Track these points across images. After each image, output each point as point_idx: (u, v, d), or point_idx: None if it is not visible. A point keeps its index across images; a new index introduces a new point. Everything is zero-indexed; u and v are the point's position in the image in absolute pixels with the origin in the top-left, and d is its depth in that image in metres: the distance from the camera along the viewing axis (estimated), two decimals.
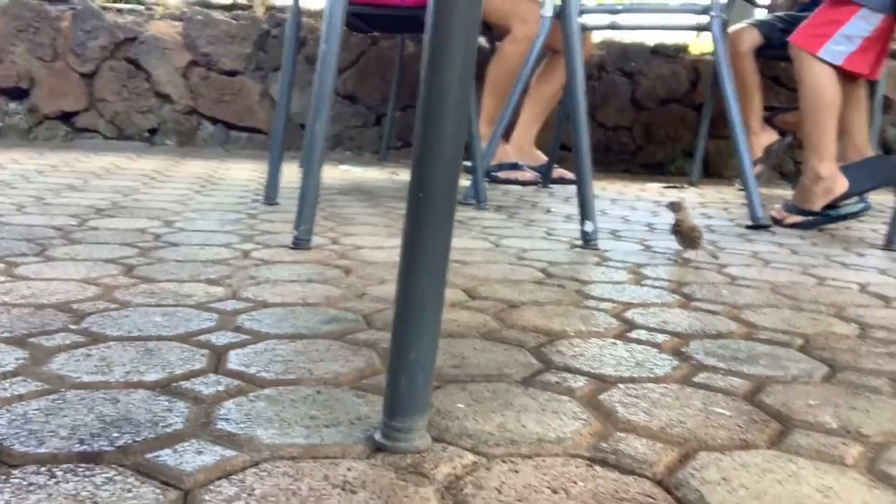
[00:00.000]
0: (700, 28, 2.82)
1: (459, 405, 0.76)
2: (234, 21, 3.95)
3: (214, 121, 3.99)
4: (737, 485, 0.62)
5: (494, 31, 3.14)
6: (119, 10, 3.98)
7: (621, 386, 0.84)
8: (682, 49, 4.11)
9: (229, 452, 0.63)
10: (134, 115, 3.90)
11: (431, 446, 0.66)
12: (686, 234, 1.59)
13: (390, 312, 1.10)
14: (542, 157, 3.25)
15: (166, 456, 0.62)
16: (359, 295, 1.20)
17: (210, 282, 1.24)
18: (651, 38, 4.14)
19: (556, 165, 3.22)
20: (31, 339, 0.90)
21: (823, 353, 1.01)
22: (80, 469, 0.59)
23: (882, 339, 1.10)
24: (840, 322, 1.18)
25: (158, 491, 0.57)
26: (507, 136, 3.21)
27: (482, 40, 3.69)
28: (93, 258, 1.36)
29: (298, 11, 2.21)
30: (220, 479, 0.59)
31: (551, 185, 3.18)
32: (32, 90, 3.82)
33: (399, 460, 0.63)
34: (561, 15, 1.78)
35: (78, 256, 1.37)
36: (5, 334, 0.91)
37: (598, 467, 0.64)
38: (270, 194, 2.22)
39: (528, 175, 3.20)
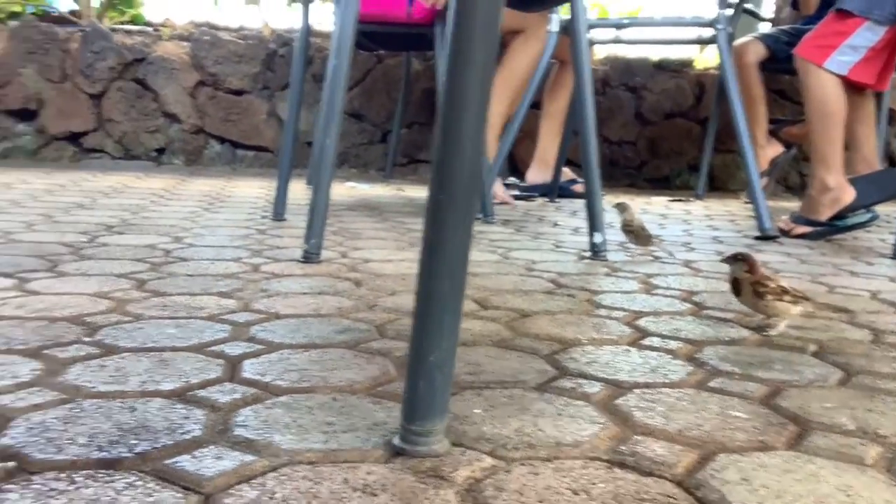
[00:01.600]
0: (705, 41, 2.83)
1: (476, 410, 0.75)
2: (241, 41, 3.98)
3: (221, 140, 4.01)
4: (757, 484, 0.62)
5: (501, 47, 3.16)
6: (128, 32, 4.01)
7: (637, 391, 0.84)
8: (686, 63, 4.13)
9: (248, 457, 0.63)
10: (142, 134, 3.93)
11: (450, 450, 0.66)
12: (637, 233, 1.78)
13: (403, 322, 1.10)
14: (569, 174, 3.27)
15: (185, 462, 0.62)
16: (370, 306, 1.20)
17: (222, 294, 1.24)
18: (655, 53, 4.17)
19: (579, 180, 3.26)
20: (46, 351, 0.90)
21: (837, 358, 1.00)
22: (100, 475, 0.59)
23: (895, 343, 1.09)
24: (852, 328, 1.18)
25: (179, 495, 0.57)
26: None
27: None
28: (104, 273, 1.37)
29: (308, 30, 2.24)
30: (240, 483, 0.59)
31: (558, 200, 3.18)
32: (41, 111, 3.85)
33: (418, 464, 0.63)
34: (570, 30, 1.79)
35: (89, 271, 1.37)
36: (20, 346, 0.91)
37: (617, 469, 0.64)
38: (279, 210, 2.23)
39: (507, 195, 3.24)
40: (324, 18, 3.95)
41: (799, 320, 1.21)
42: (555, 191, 3.19)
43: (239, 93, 3.97)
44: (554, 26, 2.52)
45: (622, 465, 0.65)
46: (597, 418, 0.75)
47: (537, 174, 3.36)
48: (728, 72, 2.39)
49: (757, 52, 3.17)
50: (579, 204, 3.03)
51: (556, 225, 2.42)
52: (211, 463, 0.62)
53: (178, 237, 1.82)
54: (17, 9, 4.29)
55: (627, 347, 1.01)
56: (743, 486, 0.61)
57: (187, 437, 0.67)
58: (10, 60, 3.77)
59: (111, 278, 1.33)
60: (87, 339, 0.96)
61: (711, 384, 0.87)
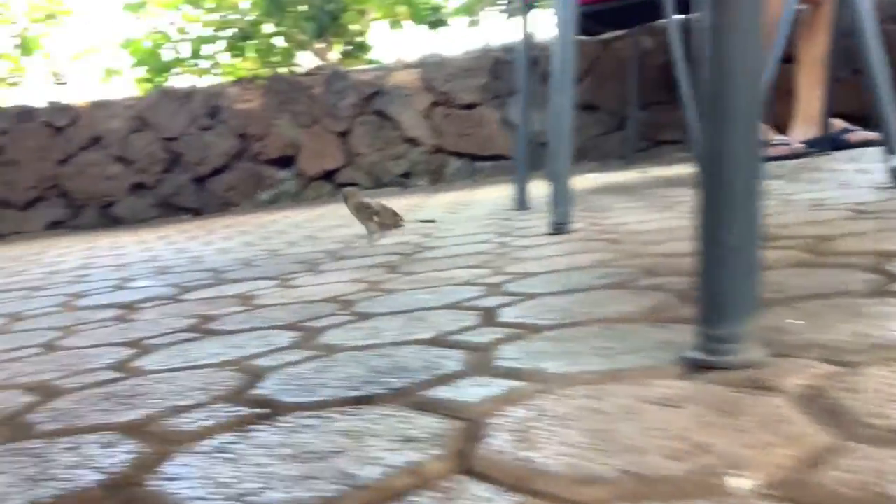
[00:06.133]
0: None
1: (792, 321, 0.59)
2: (465, 56, 4.03)
3: (459, 155, 4.06)
4: None
5: None
6: (363, 70, 4.23)
7: None
8: None
9: (515, 384, 0.53)
10: (387, 162, 4.09)
11: (768, 361, 0.51)
12: (381, 214, 1.60)
13: (675, 261, 0.96)
14: (840, 123, 2.90)
15: (445, 391, 0.53)
16: (633, 255, 1.07)
17: (473, 266, 1.17)
18: None
19: (852, 128, 2.87)
20: (303, 323, 0.87)
21: None
22: (352, 410, 0.52)
23: None
24: None
25: (440, 421, 0.48)
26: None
27: None
28: (359, 266, 1.36)
29: (528, 34, 2.19)
30: (507, 406, 0.49)
31: (831, 153, 2.81)
32: (298, 156, 4.15)
33: (728, 375, 0.49)
34: None
35: (345, 267, 1.38)
36: (280, 323, 0.90)
37: None
38: (521, 199, 2.16)
39: (783, 149, 2.87)
40: (546, 25, 3.89)
41: None
42: (826, 143, 2.81)
43: (470, 106, 4.00)
44: None
45: None
46: None
47: (802, 131, 3.00)
48: None
49: None
50: (858, 152, 2.65)
51: (834, 171, 2.11)
52: (474, 391, 0.52)
53: (427, 233, 1.80)
54: (266, 72, 4.70)
55: None
56: None
57: (446, 371, 0.58)
58: (266, 114, 4.12)
59: (365, 269, 1.31)
60: (342, 311, 0.92)
61: None
